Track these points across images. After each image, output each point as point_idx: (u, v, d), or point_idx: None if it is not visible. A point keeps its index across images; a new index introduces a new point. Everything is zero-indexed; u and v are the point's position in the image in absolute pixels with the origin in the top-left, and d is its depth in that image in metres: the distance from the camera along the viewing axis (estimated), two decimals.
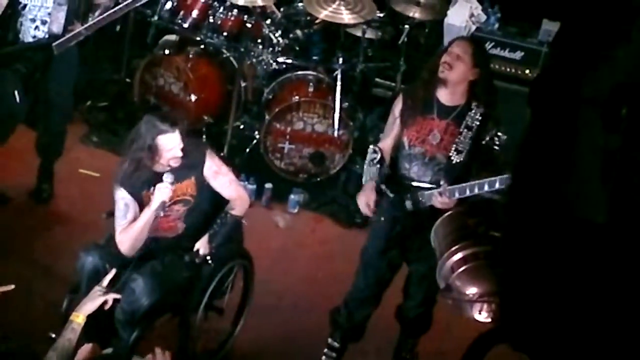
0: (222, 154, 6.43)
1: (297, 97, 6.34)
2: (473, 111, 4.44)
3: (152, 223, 4.44)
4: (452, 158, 4.43)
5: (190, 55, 6.50)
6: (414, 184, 4.50)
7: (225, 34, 6.54)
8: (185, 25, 6.57)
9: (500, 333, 3.77)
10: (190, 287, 4.54)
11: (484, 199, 5.62)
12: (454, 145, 4.43)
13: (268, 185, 6.35)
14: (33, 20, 5.39)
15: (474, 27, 6.26)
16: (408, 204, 4.50)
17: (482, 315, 4.90)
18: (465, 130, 4.42)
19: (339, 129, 6.25)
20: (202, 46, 6.57)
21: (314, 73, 6.46)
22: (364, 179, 4.58)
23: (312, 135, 6.39)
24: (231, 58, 6.57)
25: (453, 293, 4.73)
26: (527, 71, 6.25)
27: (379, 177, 4.50)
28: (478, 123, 4.42)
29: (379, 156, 4.54)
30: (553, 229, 2.17)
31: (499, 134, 4.46)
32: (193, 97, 6.44)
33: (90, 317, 3.93)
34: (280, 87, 6.49)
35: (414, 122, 4.48)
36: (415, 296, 4.80)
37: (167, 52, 6.58)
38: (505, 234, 2.82)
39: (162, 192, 4.34)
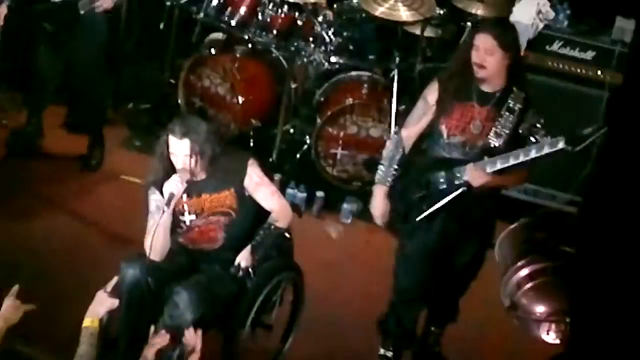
0: (270, 160, 6.47)
1: (350, 100, 6.30)
2: (514, 95, 4.45)
3: (190, 233, 4.52)
4: (491, 142, 4.42)
5: (238, 55, 6.50)
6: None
7: (274, 32, 6.54)
8: (233, 23, 6.58)
9: (570, 357, 3.72)
10: (237, 301, 4.53)
11: (553, 211, 5.77)
12: (494, 129, 4.42)
13: (319, 194, 6.33)
14: None
15: (541, 25, 6.20)
16: (441, 181, 4.51)
17: (550, 336, 5.05)
18: (507, 113, 4.42)
19: None
20: (250, 45, 6.57)
21: (369, 74, 6.43)
22: (376, 177, 4.67)
23: (366, 140, 6.35)
24: (281, 58, 6.56)
25: (519, 311, 4.90)
26: (599, 72, 6.18)
27: (392, 179, 4.61)
28: (520, 106, 4.42)
29: (399, 155, 4.62)
30: (630, 246, 2.14)
31: (538, 125, 4.44)
32: (240, 99, 6.44)
33: (132, 333, 4.02)
34: (332, 89, 6.48)
35: (452, 110, 4.49)
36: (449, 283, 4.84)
37: (213, 51, 6.58)
38: (579, 249, 2.78)
39: (171, 184, 4.33)
